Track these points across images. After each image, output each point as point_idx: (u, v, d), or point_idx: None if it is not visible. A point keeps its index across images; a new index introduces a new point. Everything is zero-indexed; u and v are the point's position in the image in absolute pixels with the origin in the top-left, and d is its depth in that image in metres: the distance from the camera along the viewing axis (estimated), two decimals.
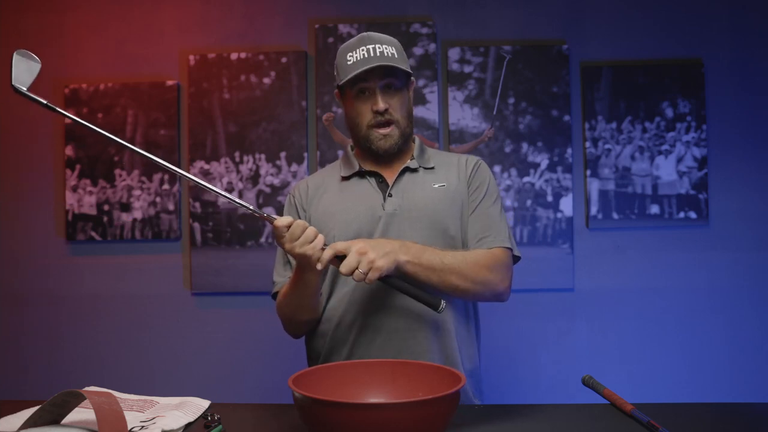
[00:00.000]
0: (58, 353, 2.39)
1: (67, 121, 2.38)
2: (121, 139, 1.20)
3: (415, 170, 1.38)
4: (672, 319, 2.31)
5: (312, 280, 1.23)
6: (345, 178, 1.40)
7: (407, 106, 1.36)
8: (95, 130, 1.19)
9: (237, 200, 1.17)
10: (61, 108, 2.42)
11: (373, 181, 1.38)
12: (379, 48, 1.30)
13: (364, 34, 1.34)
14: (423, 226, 1.31)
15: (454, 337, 1.30)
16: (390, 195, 1.34)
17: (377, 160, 1.38)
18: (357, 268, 1.12)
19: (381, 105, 1.30)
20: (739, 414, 1.10)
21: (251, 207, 1.18)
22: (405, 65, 1.33)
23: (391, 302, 1.27)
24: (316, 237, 1.15)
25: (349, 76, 1.29)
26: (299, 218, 1.39)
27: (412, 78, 1.40)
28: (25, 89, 1.11)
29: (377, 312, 1.28)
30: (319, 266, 1.15)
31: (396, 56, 1.31)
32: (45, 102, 1.13)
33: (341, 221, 1.33)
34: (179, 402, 1.12)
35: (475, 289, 1.27)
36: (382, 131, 1.32)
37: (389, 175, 1.37)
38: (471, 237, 1.34)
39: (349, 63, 1.31)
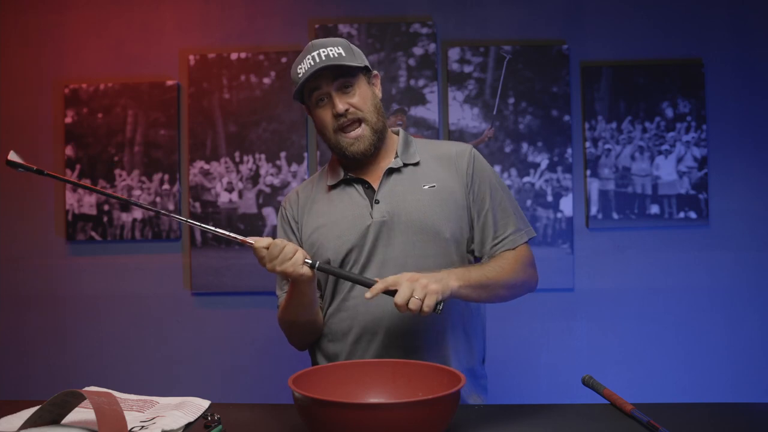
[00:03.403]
0: (58, 353, 2.39)
1: (68, 120, 2.38)
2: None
3: (399, 170, 1.35)
4: (672, 319, 2.31)
5: (305, 291, 1.24)
6: (332, 187, 1.38)
7: (372, 100, 1.33)
8: (95, 190, 1.22)
9: (215, 230, 1.21)
10: (61, 108, 2.44)
11: (360, 188, 1.35)
12: (323, 52, 1.28)
13: (309, 43, 1.33)
14: (413, 231, 1.29)
15: (450, 337, 1.30)
16: (377, 201, 1.32)
17: (360, 164, 1.36)
18: (412, 296, 1.08)
19: (340, 107, 1.28)
20: (739, 414, 1.10)
21: (229, 233, 1.20)
22: (354, 61, 1.30)
23: (388, 305, 1.27)
24: (294, 254, 1.16)
25: (298, 86, 1.29)
26: (292, 230, 1.39)
27: (374, 72, 1.37)
28: (20, 161, 1.13)
29: (375, 315, 1.28)
30: (368, 295, 1.14)
31: (343, 55, 1.29)
32: (36, 169, 1.16)
33: (333, 236, 1.32)
34: (179, 402, 1.12)
35: (515, 293, 1.31)
36: (352, 135, 1.30)
37: (374, 180, 1.35)
38: (491, 235, 1.33)
39: (299, 75, 1.30)
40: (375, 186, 1.34)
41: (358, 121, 1.30)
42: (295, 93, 1.33)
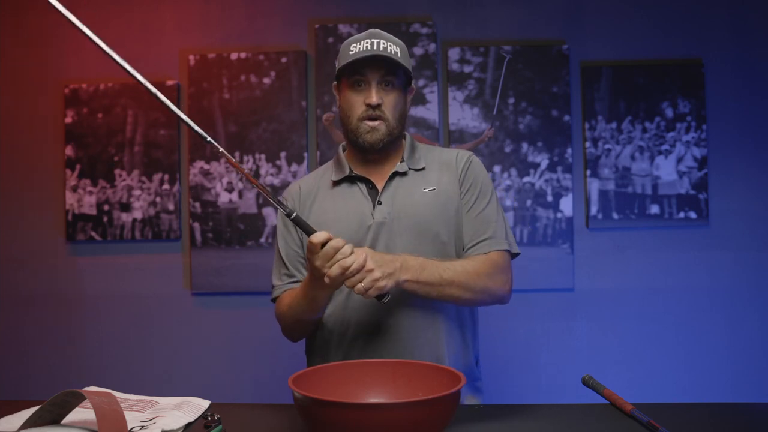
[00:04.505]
0: (58, 353, 2.39)
1: (68, 120, 2.38)
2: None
3: (404, 174, 1.36)
4: (672, 319, 2.31)
5: (321, 297, 1.23)
6: (336, 183, 1.38)
7: (401, 108, 1.34)
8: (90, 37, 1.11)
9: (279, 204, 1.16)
10: (61, 108, 2.44)
11: (363, 187, 1.36)
12: (383, 44, 1.29)
13: (373, 29, 1.34)
14: (412, 234, 1.30)
15: (446, 338, 1.31)
16: (379, 203, 1.33)
17: (367, 162, 1.37)
18: (361, 282, 1.12)
19: (375, 98, 1.29)
20: (739, 414, 1.10)
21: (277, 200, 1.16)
22: (407, 65, 1.33)
23: (387, 304, 1.28)
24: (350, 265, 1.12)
25: (347, 61, 1.29)
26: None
27: (413, 85, 1.39)
28: None
29: (373, 313, 1.28)
30: (326, 280, 1.14)
31: (399, 55, 1.30)
32: None
33: (333, 232, 1.32)
34: (179, 402, 1.12)
35: (477, 297, 1.28)
36: (371, 123, 1.31)
37: (379, 180, 1.35)
38: (467, 239, 1.33)
39: (351, 53, 1.30)
40: (379, 187, 1.35)
41: (380, 119, 1.32)
42: (338, 68, 1.34)
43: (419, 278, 1.20)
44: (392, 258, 1.18)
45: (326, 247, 1.12)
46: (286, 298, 1.34)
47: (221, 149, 1.17)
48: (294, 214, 1.15)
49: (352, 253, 1.12)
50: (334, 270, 1.11)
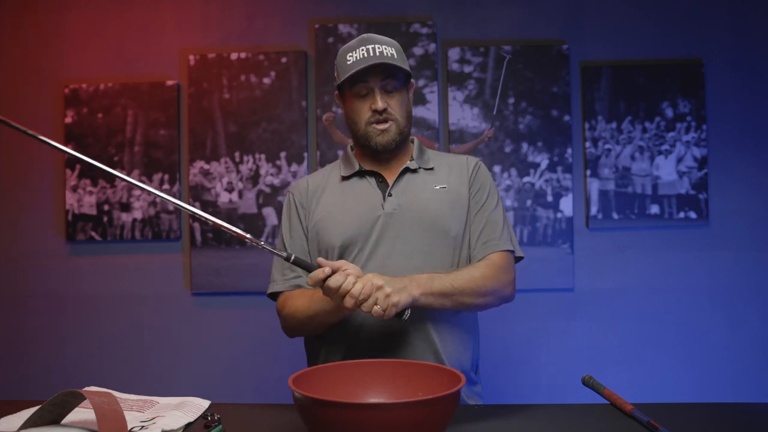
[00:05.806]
0: (58, 353, 2.39)
1: (68, 120, 2.38)
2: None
3: (415, 171, 1.39)
4: (672, 319, 2.31)
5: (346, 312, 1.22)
6: (345, 178, 1.40)
7: (406, 106, 1.37)
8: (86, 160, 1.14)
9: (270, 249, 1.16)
10: (61, 108, 2.44)
11: (373, 180, 1.38)
12: (378, 48, 1.31)
13: (365, 35, 1.36)
14: (422, 227, 1.32)
15: (443, 344, 1.30)
16: (390, 195, 1.35)
17: (377, 160, 1.39)
18: (376, 304, 1.12)
19: (380, 104, 1.31)
20: (739, 414, 1.10)
21: (281, 253, 1.16)
22: (405, 65, 1.34)
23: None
24: (358, 292, 1.11)
25: (348, 74, 1.31)
26: (299, 217, 1.40)
27: (412, 80, 1.41)
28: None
29: (370, 321, 1.28)
30: (346, 311, 1.15)
31: (395, 57, 1.32)
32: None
33: (341, 222, 1.34)
34: (179, 402, 1.12)
35: (486, 301, 1.30)
36: (380, 126, 1.33)
37: (389, 176, 1.38)
38: (474, 239, 1.36)
39: (348, 63, 1.32)
40: (389, 181, 1.37)
41: (389, 121, 1.34)
42: (339, 80, 1.35)
43: (432, 290, 1.20)
44: (400, 277, 1.19)
45: (327, 283, 1.12)
46: (299, 297, 1.32)
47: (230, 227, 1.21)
48: (293, 257, 1.16)
49: (356, 282, 1.12)
50: (348, 302, 1.11)
